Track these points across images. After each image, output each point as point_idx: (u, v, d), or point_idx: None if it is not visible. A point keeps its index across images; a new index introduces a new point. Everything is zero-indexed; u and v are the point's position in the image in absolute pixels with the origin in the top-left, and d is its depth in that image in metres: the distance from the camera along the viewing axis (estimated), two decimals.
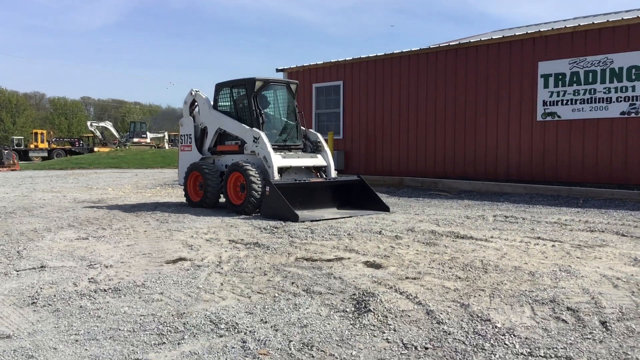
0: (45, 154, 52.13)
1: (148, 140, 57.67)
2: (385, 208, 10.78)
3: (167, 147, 54.95)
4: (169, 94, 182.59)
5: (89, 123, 62.78)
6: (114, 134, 61.98)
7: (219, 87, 12.12)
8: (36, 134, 56.84)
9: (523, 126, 14.07)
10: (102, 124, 62.31)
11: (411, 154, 16.21)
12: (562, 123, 13.43)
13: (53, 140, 59.63)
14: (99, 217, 10.45)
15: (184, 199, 12.82)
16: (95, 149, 52.44)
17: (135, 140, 56.27)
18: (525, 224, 8.94)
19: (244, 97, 11.55)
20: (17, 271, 6.02)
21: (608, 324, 4.06)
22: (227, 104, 11.95)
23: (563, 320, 4.18)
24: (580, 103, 13.13)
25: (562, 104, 13.40)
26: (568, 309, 4.42)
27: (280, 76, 18.58)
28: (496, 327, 4.04)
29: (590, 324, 4.08)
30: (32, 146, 54.64)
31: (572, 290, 4.94)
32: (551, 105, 13.57)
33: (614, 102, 12.67)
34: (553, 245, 7.03)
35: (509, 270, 5.69)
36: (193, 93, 12.59)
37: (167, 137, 61.81)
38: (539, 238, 7.60)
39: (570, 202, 11.85)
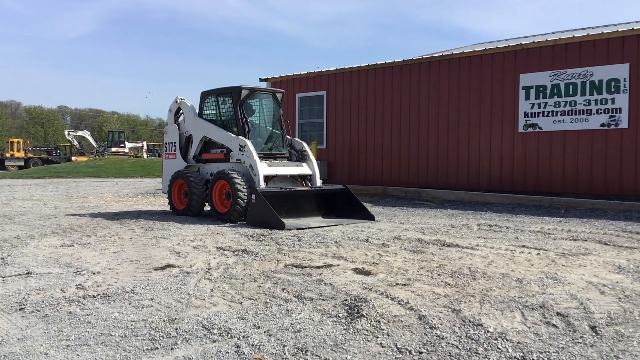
0: (22, 163, 51.40)
1: (126, 150, 57.17)
2: (370, 217, 10.81)
3: (145, 157, 54.50)
4: (147, 103, 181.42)
5: (66, 132, 62.04)
6: (92, 143, 61.31)
7: (205, 95, 12.10)
8: (12, 142, 56.04)
9: (505, 137, 14.25)
10: (80, 133, 61.58)
11: (394, 164, 16.30)
12: (543, 134, 13.64)
13: (30, 149, 58.82)
14: (82, 224, 10.33)
15: (167, 207, 12.75)
16: (73, 158, 51.81)
17: (114, 149, 55.79)
18: (509, 232, 9.04)
19: (229, 106, 11.54)
20: (3, 277, 5.92)
21: (598, 329, 4.12)
22: (212, 112, 11.92)
23: (553, 325, 4.23)
24: (561, 115, 13.35)
25: (543, 115, 13.61)
26: (558, 314, 4.47)
27: (263, 86, 18.60)
28: (488, 331, 4.07)
29: (580, 329, 4.14)
30: (8, 155, 53.86)
31: (560, 296, 5.00)
32: (532, 116, 13.77)
33: (594, 114, 12.90)
34: (538, 254, 7.11)
35: (496, 277, 5.74)
36: (178, 101, 12.55)
37: (145, 146, 61.36)
38: (523, 246, 7.68)
39: (552, 211, 12.01)
